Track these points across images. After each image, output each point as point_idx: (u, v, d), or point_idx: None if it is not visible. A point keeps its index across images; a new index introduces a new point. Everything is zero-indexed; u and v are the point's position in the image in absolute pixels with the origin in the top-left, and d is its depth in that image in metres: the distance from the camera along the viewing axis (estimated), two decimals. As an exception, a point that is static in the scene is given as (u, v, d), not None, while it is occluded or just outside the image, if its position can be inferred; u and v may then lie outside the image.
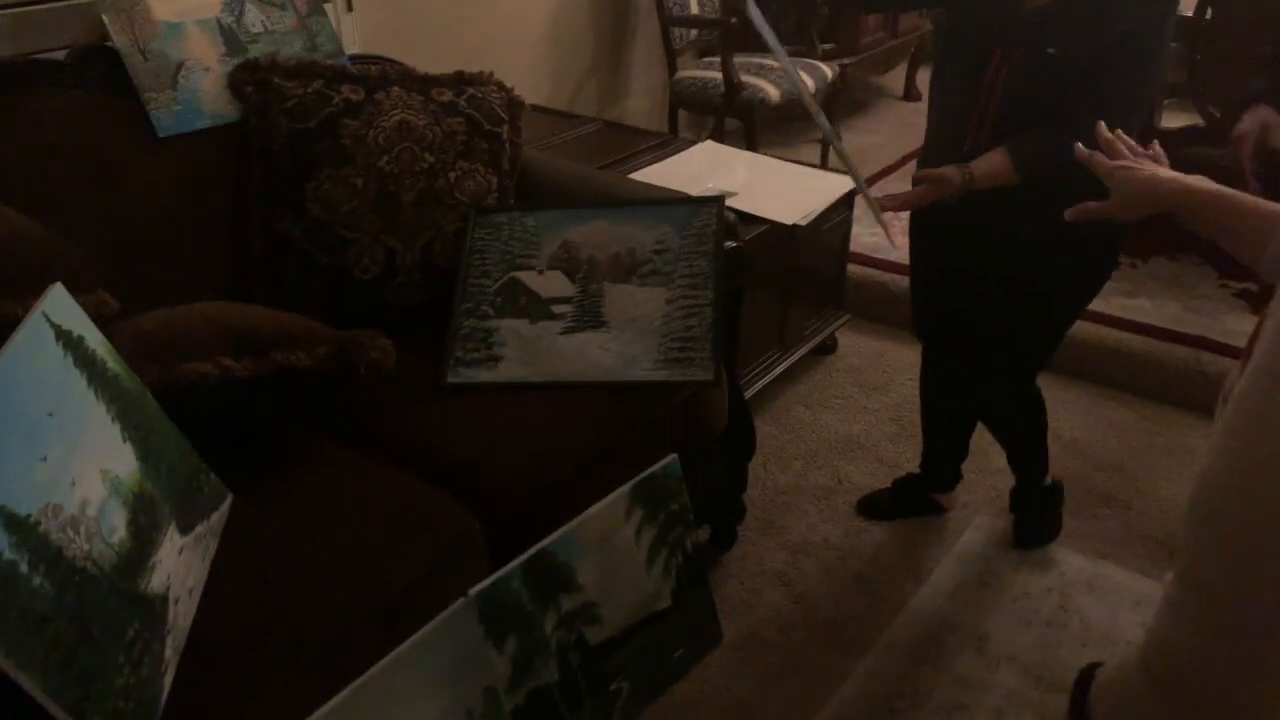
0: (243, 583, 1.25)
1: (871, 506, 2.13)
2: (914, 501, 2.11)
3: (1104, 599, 1.86)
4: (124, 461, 1.15)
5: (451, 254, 1.83)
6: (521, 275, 1.78)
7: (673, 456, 1.69)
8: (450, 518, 1.41)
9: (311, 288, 1.79)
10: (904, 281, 2.84)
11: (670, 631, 1.68)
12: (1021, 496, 2.05)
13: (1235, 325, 2.57)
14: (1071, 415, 2.44)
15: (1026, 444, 2.00)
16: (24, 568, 0.94)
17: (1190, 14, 2.79)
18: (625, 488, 1.62)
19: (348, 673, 1.24)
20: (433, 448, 1.54)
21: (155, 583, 1.12)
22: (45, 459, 1.02)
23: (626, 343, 1.68)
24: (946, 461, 2.09)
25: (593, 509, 1.57)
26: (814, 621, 1.82)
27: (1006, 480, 2.21)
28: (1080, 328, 2.58)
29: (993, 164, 1.63)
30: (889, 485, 2.15)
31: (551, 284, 1.77)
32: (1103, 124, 1.37)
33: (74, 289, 1.29)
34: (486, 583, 1.41)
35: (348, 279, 1.79)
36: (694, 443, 1.76)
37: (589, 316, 1.72)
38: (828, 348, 2.70)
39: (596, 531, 1.56)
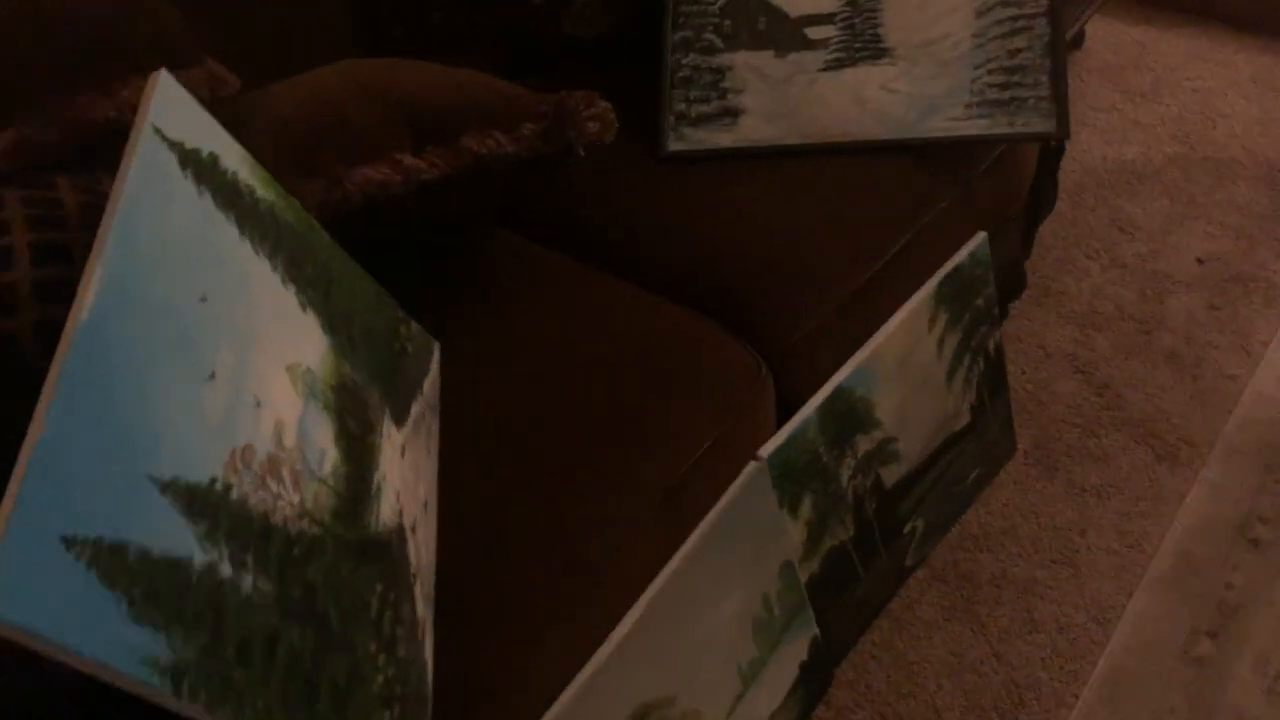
0: (485, 474, 0.92)
1: None
2: None
3: None
4: (311, 342, 0.79)
5: (649, -43, 1.32)
6: (757, -16, 1.27)
7: (981, 236, 1.26)
8: (724, 357, 1.03)
9: (470, 18, 1.32)
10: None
11: (967, 453, 1.34)
12: None
13: None
14: None
15: None
16: (228, 569, 0.61)
17: None
18: (928, 289, 1.21)
19: (636, 577, 0.94)
20: (668, 251, 1.14)
21: (385, 512, 0.79)
22: (213, 376, 0.66)
23: (921, 80, 1.20)
24: None
25: (892, 323, 1.17)
26: (1126, 420, 1.46)
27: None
28: None
29: None
30: None
31: (802, -5, 1.26)
32: None
33: (174, 65, 0.88)
34: (780, 440, 1.06)
35: (517, 2, 1.31)
36: (996, 212, 1.33)
37: (863, 43, 1.22)
38: (1073, 42, 2.12)
39: (897, 351, 1.17)
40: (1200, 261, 1.69)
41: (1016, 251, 1.49)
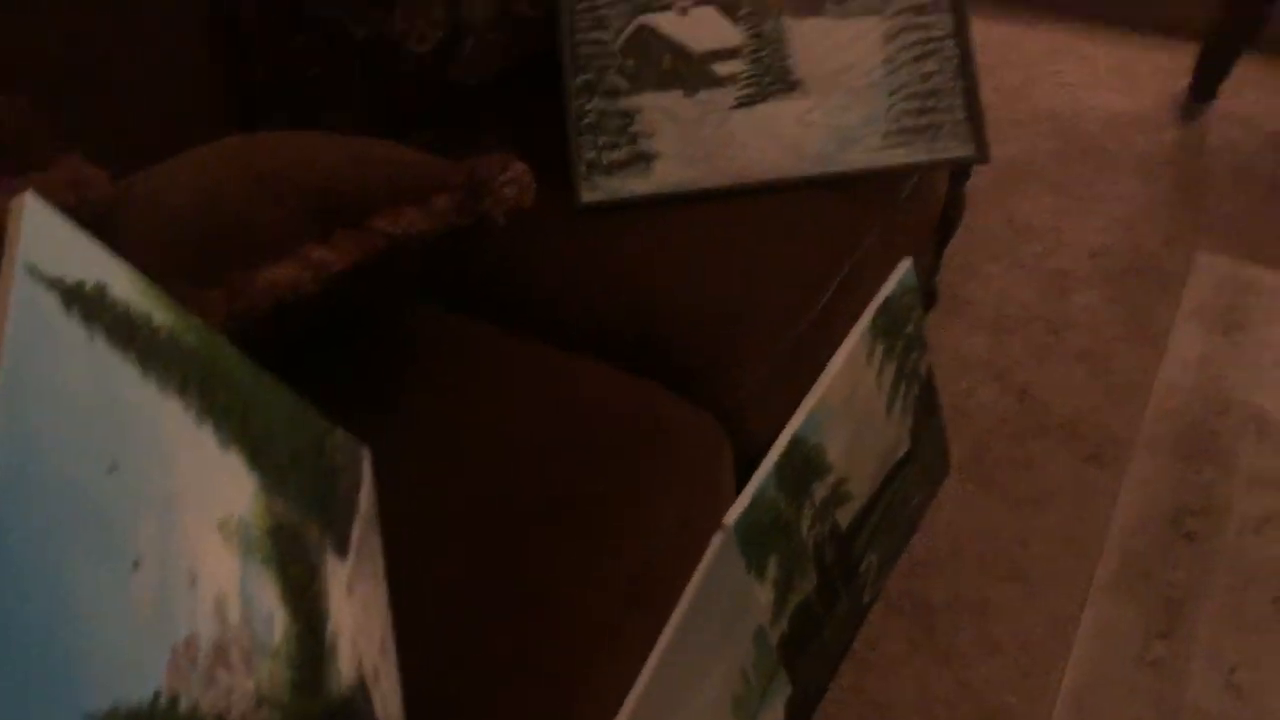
0: (439, 589, 0.83)
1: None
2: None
3: (1380, 346, 1.54)
4: (238, 484, 0.69)
5: (538, -4, 1.25)
6: (656, 20, 1.21)
7: (907, 263, 1.24)
8: (679, 425, 0.97)
9: (347, 75, 1.21)
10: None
11: (910, 480, 1.33)
12: None
13: None
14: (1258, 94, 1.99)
15: None
16: (186, 804, 0.51)
17: None
18: (864, 323, 1.18)
19: (615, 682, 0.87)
20: (601, 311, 1.07)
21: (345, 668, 0.70)
22: (138, 563, 0.56)
23: (836, 111, 1.17)
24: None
25: (835, 363, 1.14)
26: (1049, 424, 1.48)
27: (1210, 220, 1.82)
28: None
29: None
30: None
31: (705, 30, 1.21)
32: None
33: (30, 167, 0.77)
34: (744, 505, 1.01)
35: (398, 54, 1.21)
36: (917, 235, 1.32)
37: (773, 76, 1.18)
38: (942, 42, 2.16)
39: (842, 391, 1.14)
40: (1093, 256, 1.74)
41: (929, 268, 1.49)
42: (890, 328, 1.22)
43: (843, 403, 1.15)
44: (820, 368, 1.12)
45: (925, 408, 1.33)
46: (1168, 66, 2.08)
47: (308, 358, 0.87)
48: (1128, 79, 2.10)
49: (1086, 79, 2.10)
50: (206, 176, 0.86)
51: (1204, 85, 2.00)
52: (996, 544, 1.34)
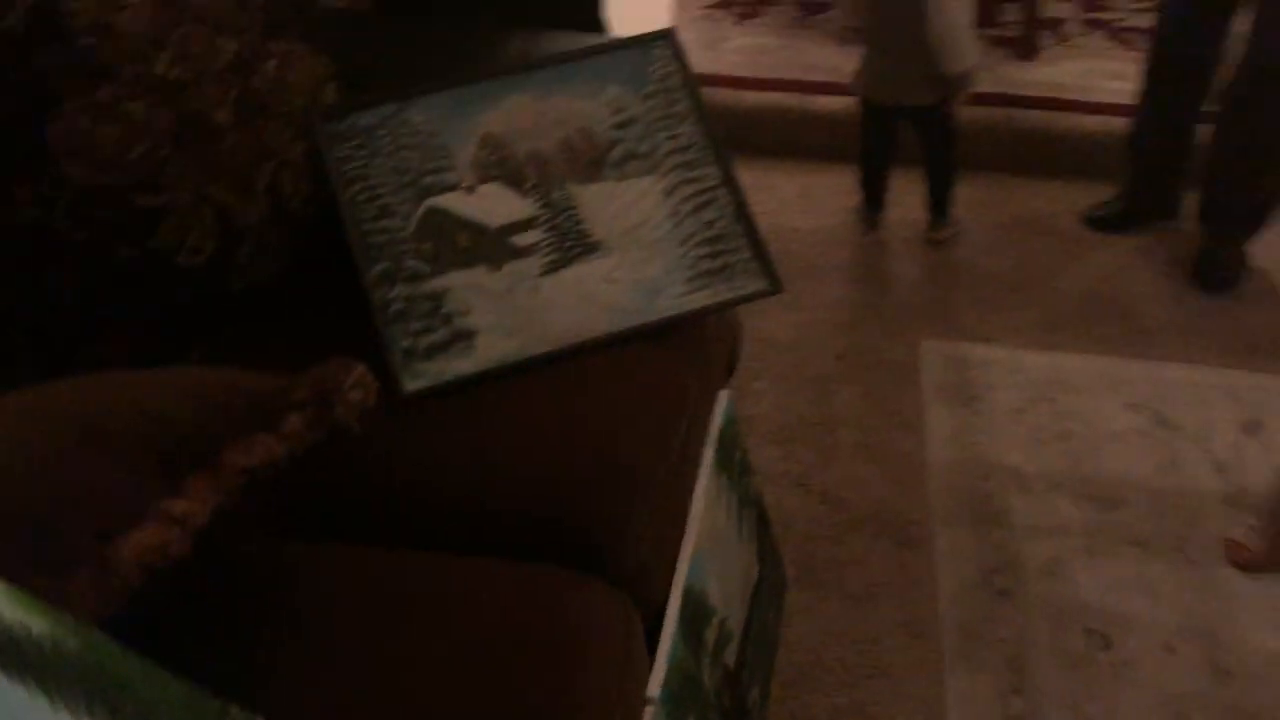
0: None
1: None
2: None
3: (1080, 391, 1.81)
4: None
5: (311, 191, 1.19)
6: (445, 201, 1.20)
7: (725, 395, 1.30)
8: (590, 610, 0.92)
9: (106, 302, 1.08)
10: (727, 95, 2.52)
11: (765, 602, 1.35)
12: None
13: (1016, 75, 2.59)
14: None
15: None
16: None
17: None
18: (708, 460, 1.21)
19: None
20: (470, 503, 1.01)
21: None
22: None
23: (638, 265, 1.21)
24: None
25: (697, 505, 1.16)
26: (856, 519, 1.58)
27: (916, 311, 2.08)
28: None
29: None
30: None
31: (495, 205, 1.21)
32: None
33: None
34: (661, 672, 0.98)
35: (168, 270, 1.10)
36: (725, 367, 1.38)
37: (571, 240, 1.21)
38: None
39: (707, 529, 1.16)
40: (838, 358, 1.91)
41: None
42: (726, 459, 1.26)
43: (710, 542, 1.16)
44: (681, 513, 1.13)
45: (761, 527, 1.38)
46: (841, 188, 2.37)
47: (163, 619, 0.74)
48: (812, 202, 2.37)
49: (780, 206, 2.35)
50: (14, 444, 0.72)
51: (871, 200, 2.30)
52: (851, 645, 1.39)
